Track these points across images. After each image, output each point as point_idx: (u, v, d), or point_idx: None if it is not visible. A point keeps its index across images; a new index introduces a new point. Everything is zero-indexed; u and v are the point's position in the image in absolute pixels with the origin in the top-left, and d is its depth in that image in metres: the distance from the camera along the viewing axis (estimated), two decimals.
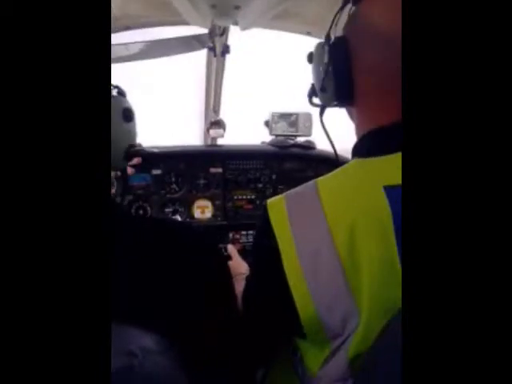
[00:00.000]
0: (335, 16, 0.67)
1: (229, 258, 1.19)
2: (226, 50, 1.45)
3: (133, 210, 1.60)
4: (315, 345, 0.65)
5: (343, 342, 0.61)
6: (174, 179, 1.65)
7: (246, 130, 2.01)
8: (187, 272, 0.66)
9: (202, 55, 1.52)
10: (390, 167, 0.60)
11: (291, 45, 1.70)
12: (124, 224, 0.69)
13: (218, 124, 1.67)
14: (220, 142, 1.80)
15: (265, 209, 0.66)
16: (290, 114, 1.77)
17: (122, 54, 1.07)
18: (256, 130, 1.85)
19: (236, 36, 1.39)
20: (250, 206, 1.74)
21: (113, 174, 1.02)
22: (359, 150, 0.68)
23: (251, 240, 1.69)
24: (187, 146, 1.78)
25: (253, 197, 1.74)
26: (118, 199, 1.49)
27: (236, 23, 1.27)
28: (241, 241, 1.73)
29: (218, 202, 1.70)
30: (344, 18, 0.68)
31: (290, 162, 1.77)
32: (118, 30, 1.15)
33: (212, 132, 1.68)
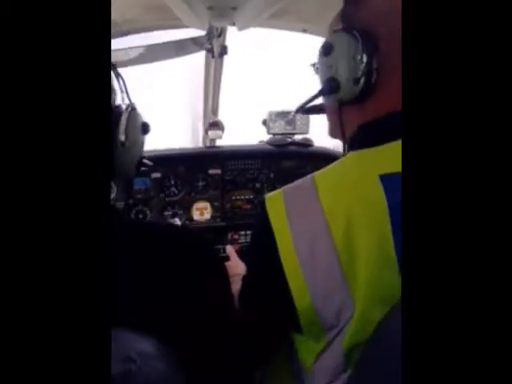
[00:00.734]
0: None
1: (227, 258, 1.19)
2: (223, 51, 1.45)
3: (132, 215, 1.59)
4: (310, 338, 0.66)
5: (338, 334, 0.62)
6: (173, 182, 1.65)
7: (243, 129, 2.01)
8: (184, 275, 0.66)
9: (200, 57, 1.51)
10: (384, 156, 0.62)
11: (286, 45, 1.71)
12: (122, 228, 0.69)
13: (217, 125, 1.67)
14: (218, 142, 1.80)
15: (263, 202, 0.67)
16: (287, 113, 1.78)
17: (122, 58, 1.06)
18: (254, 130, 1.86)
19: (233, 37, 1.40)
20: (248, 206, 1.75)
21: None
22: (355, 143, 0.69)
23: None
24: (186, 149, 1.78)
25: (251, 196, 1.74)
26: (121, 204, 1.49)
27: (233, 24, 1.27)
28: (239, 241, 1.74)
29: (216, 204, 1.70)
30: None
31: (288, 160, 1.78)
32: (118, 35, 1.15)
33: (211, 133, 1.68)
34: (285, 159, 1.78)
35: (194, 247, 0.72)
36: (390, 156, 0.61)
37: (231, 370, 0.71)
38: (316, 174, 0.66)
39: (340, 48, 0.65)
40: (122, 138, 0.71)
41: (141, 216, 1.61)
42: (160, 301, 0.63)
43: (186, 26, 1.22)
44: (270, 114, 1.77)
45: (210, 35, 1.30)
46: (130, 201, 1.58)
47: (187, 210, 1.67)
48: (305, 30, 1.45)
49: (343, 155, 0.70)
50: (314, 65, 0.77)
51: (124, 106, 0.76)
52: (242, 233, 1.74)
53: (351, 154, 0.67)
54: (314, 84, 0.83)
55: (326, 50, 0.67)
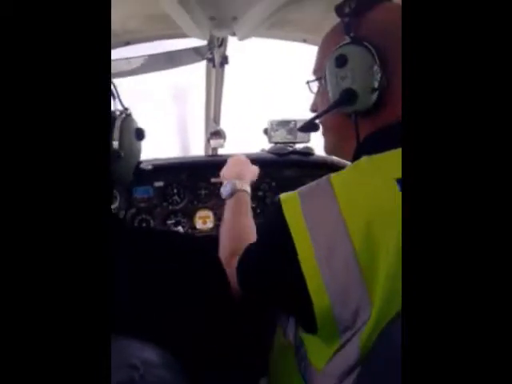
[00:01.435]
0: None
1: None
2: (224, 60, 1.46)
3: (136, 223, 1.60)
4: (324, 340, 0.65)
5: (353, 335, 0.61)
6: (175, 191, 1.65)
7: (245, 138, 2.02)
8: (186, 281, 0.66)
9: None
10: (399, 160, 0.62)
11: (288, 54, 1.72)
12: (123, 236, 0.69)
13: (219, 134, 1.68)
14: (220, 151, 1.81)
15: (278, 203, 0.66)
16: (288, 122, 1.78)
17: (123, 68, 1.08)
18: (255, 139, 1.86)
19: (234, 46, 1.41)
20: None
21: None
22: (366, 149, 0.69)
23: None
24: (188, 157, 1.79)
25: (253, 205, 1.74)
26: (122, 213, 1.49)
27: (234, 34, 1.28)
28: None
29: (219, 212, 1.70)
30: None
31: (289, 169, 1.78)
32: (119, 45, 1.16)
33: (212, 142, 1.69)
34: (286, 168, 1.78)
35: (194, 254, 0.72)
36: None
37: (235, 378, 0.71)
38: (332, 175, 0.66)
39: (354, 59, 0.68)
40: (116, 144, 0.72)
41: (144, 224, 1.61)
42: (162, 308, 0.63)
43: (188, 36, 1.24)
44: (271, 123, 1.78)
45: (211, 45, 1.31)
46: (134, 209, 1.59)
47: (190, 218, 1.67)
48: (305, 41, 1.46)
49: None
50: (307, 82, 0.82)
51: (118, 113, 0.77)
52: None
53: (364, 158, 0.67)
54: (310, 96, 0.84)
55: (341, 62, 0.69)
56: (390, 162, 0.63)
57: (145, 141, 0.84)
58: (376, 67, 0.67)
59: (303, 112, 0.88)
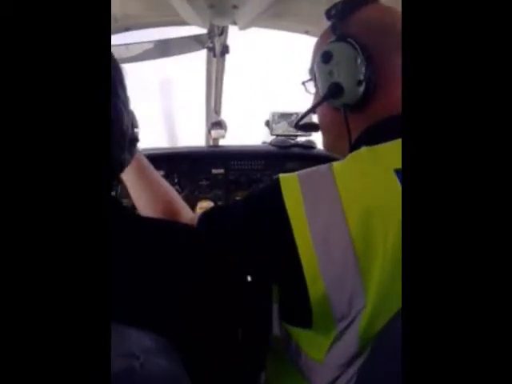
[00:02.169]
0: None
1: None
2: (225, 50, 1.45)
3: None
4: (319, 331, 0.65)
5: (350, 324, 0.61)
6: (176, 180, 1.65)
7: (246, 130, 2.02)
8: (185, 269, 0.66)
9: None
10: (398, 151, 0.61)
11: (290, 45, 1.71)
12: (124, 224, 0.69)
13: (219, 125, 1.68)
14: (221, 142, 1.81)
15: (276, 181, 0.66)
16: (291, 114, 1.78)
17: (122, 55, 1.08)
18: (256, 131, 1.86)
19: (235, 36, 1.41)
20: None
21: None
22: (365, 140, 0.69)
23: None
24: (189, 147, 1.79)
25: None
26: (126, 202, 1.49)
27: (234, 23, 1.28)
28: None
29: (220, 203, 1.70)
30: None
31: (291, 162, 1.77)
32: (118, 31, 1.16)
33: (213, 133, 1.68)
34: (288, 161, 1.77)
35: (194, 241, 0.72)
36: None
37: (235, 368, 0.71)
38: (333, 163, 0.66)
39: (338, 54, 0.71)
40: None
41: None
42: (161, 296, 0.63)
43: (188, 24, 1.24)
44: (273, 115, 1.77)
45: (211, 34, 1.31)
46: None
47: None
48: (307, 32, 1.46)
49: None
50: (303, 83, 0.85)
51: None
52: None
53: (364, 148, 0.67)
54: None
55: (326, 58, 0.73)
56: (389, 152, 0.64)
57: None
58: (359, 60, 0.69)
59: (305, 104, 0.88)
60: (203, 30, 1.30)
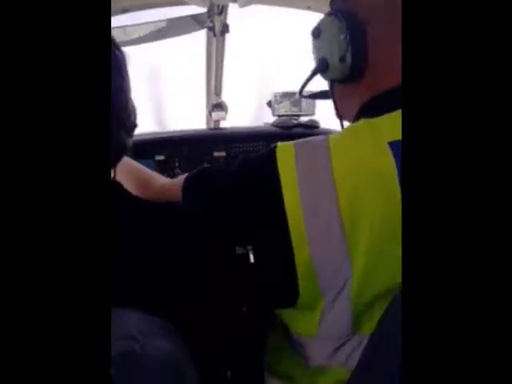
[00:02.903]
0: None
1: None
2: (225, 29, 1.42)
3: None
4: (306, 307, 0.66)
5: (338, 294, 0.62)
6: (177, 164, 1.63)
7: (247, 112, 1.99)
8: (185, 252, 0.66)
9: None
10: (393, 123, 0.62)
11: (291, 23, 1.67)
12: (126, 207, 0.68)
13: (220, 106, 1.65)
14: (222, 124, 1.78)
15: (273, 149, 0.67)
16: (293, 93, 1.74)
17: (119, 38, 1.04)
18: (258, 113, 1.83)
19: (235, 16, 1.37)
20: None
21: None
22: (365, 112, 0.70)
23: None
24: (190, 131, 1.76)
25: None
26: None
27: (234, 0, 1.24)
28: None
29: None
30: None
31: None
32: (116, 12, 1.12)
33: (214, 115, 1.65)
34: (291, 141, 1.75)
35: (195, 227, 0.72)
36: (398, 123, 0.61)
37: (237, 351, 0.71)
38: (329, 135, 0.67)
39: (326, 29, 0.72)
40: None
41: None
42: (161, 278, 0.63)
43: (187, 3, 1.20)
44: (275, 95, 1.74)
45: (210, 12, 1.27)
46: None
47: None
48: (309, 7, 1.42)
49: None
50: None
51: None
52: None
53: (362, 120, 0.67)
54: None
55: (315, 34, 0.74)
56: (385, 124, 0.64)
57: None
58: (343, 36, 0.69)
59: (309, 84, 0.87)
60: (202, 10, 1.26)
